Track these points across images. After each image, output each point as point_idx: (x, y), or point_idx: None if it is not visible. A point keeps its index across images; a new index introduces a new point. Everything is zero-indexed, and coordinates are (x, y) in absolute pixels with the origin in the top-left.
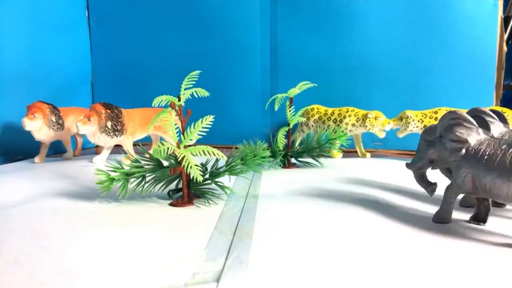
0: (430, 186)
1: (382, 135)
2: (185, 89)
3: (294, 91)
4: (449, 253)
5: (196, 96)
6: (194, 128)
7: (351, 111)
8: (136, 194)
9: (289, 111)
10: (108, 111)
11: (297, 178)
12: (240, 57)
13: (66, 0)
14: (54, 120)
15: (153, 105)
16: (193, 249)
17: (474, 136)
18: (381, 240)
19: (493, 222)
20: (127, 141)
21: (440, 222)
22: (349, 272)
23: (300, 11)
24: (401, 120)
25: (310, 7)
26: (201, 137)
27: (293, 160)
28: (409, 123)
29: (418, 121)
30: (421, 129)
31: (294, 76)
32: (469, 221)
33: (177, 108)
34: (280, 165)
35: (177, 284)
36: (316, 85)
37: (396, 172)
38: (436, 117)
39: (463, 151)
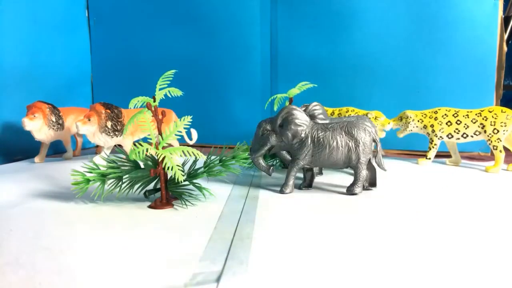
0: (270, 168)
1: (382, 135)
2: (160, 89)
3: (293, 91)
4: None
5: (170, 96)
6: (172, 129)
7: (351, 111)
8: (133, 196)
9: None
10: (108, 111)
11: (297, 179)
12: (240, 57)
13: (66, 0)
14: (54, 120)
15: (129, 107)
16: (193, 250)
17: (309, 123)
18: (381, 241)
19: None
20: (127, 141)
21: (285, 193)
22: (348, 272)
23: (300, 11)
24: (401, 120)
25: (310, 7)
26: (179, 137)
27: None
28: (409, 123)
29: (418, 121)
30: (421, 129)
31: (294, 76)
32: (300, 188)
33: (152, 109)
34: (280, 166)
35: (177, 285)
36: (316, 85)
37: (396, 171)
38: (436, 117)
39: (303, 134)
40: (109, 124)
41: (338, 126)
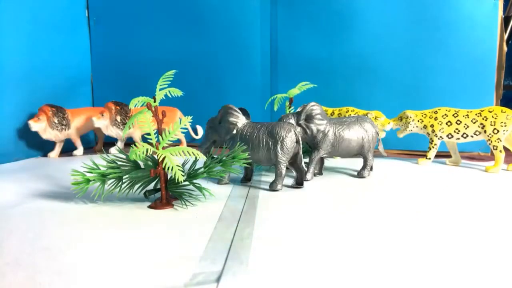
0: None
1: (382, 135)
2: (160, 89)
3: (293, 92)
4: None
5: (170, 96)
6: (172, 129)
7: (351, 111)
8: (133, 196)
9: (289, 111)
10: (118, 107)
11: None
12: (240, 57)
13: (66, 0)
14: (56, 121)
15: (130, 106)
16: (193, 250)
17: (241, 121)
18: (381, 241)
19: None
20: (135, 134)
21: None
22: (348, 272)
23: (300, 11)
24: (401, 120)
25: (310, 7)
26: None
27: None
28: (409, 123)
29: (418, 121)
30: (421, 129)
31: (294, 76)
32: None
33: (153, 109)
34: None
35: (177, 285)
36: (316, 85)
37: (396, 171)
38: (436, 117)
39: (235, 131)
40: (118, 118)
41: (263, 127)
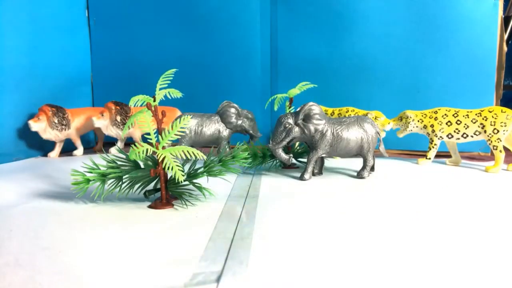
0: (289, 158)
1: (382, 135)
2: (160, 89)
3: (294, 92)
4: None
5: (170, 97)
6: (172, 128)
7: (351, 111)
8: (133, 196)
9: (289, 111)
10: (118, 107)
11: (297, 179)
12: (240, 57)
13: (66, 0)
14: (56, 121)
15: (129, 104)
16: (193, 250)
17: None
18: (381, 241)
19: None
20: (135, 134)
21: (304, 179)
22: (348, 272)
23: (300, 11)
24: (401, 120)
25: (310, 7)
26: (179, 137)
27: (293, 161)
28: (409, 123)
29: (418, 121)
30: (421, 129)
31: (294, 76)
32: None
33: (152, 109)
34: (280, 166)
35: (177, 285)
36: (316, 85)
37: (396, 171)
38: (436, 117)
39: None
40: (118, 118)
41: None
